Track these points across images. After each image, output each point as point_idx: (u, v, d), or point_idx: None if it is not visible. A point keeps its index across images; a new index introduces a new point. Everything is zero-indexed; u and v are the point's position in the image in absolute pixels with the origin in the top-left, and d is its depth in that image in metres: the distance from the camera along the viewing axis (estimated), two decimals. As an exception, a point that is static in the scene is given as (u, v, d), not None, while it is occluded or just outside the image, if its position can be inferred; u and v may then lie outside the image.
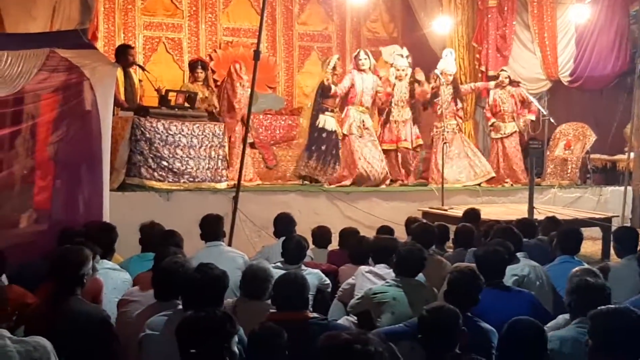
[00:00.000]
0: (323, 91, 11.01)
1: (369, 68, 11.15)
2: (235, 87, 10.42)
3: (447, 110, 11.38)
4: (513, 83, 12.10)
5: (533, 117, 12.09)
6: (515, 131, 12.04)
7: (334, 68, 11.10)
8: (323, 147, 10.94)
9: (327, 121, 10.99)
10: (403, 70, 11.47)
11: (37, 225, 6.94)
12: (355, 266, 6.27)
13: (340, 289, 5.80)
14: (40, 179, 7.12)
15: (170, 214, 8.24)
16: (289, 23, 13.20)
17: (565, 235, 6.20)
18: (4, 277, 5.20)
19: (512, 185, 11.87)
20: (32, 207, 7.03)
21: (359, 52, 11.34)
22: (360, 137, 10.90)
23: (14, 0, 9.03)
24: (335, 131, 11.00)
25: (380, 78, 11.41)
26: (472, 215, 7.95)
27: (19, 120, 7.07)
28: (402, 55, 11.54)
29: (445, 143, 11.00)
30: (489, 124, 12.13)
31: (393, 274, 5.33)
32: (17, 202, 6.98)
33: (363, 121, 10.97)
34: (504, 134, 12.02)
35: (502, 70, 12.19)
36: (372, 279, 5.50)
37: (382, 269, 5.60)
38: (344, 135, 10.93)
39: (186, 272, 4.25)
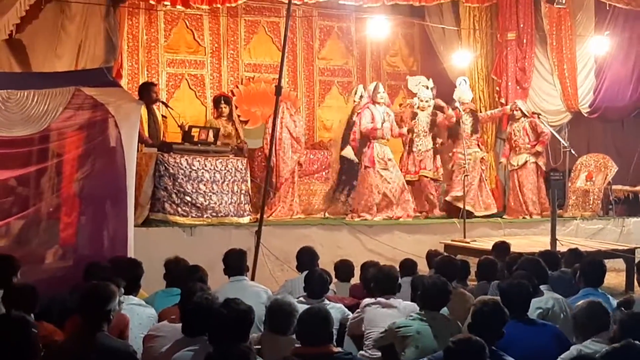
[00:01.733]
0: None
1: (385, 102, 11.25)
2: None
3: (469, 138, 11.44)
4: (532, 115, 12.09)
5: (540, 149, 12.03)
6: (527, 162, 11.98)
7: (362, 97, 11.24)
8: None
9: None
10: (427, 101, 11.54)
11: (62, 261, 7.02)
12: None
13: (349, 322, 5.78)
14: (65, 215, 7.21)
15: (193, 248, 8.30)
16: (309, 58, 13.32)
17: (588, 267, 6.18)
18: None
19: (530, 217, 11.82)
20: (57, 243, 7.12)
21: (377, 85, 11.41)
22: (383, 169, 10.92)
23: (40, 39, 9.21)
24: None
25: (396, 115, 11.51)
26: (501, 248, 7.91)
27: (45, 158, 7.19)
28: (427, 87, 11.62)
29: (465, 175, 11.02)
30: (519, 162, 12.07)
31: (401, 302, 5.33)
32: (43, 238, 7.07)
33: (385, 154, 11.00)
34: (517, 165, 12.00)
35: (514, 102, 12.21)
36: (380, 309, 5.51)
37: (390, 298, 5.61)
38: (365, 167, 10.95)
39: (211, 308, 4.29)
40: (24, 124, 6.92)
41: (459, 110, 11.46)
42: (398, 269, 6.28)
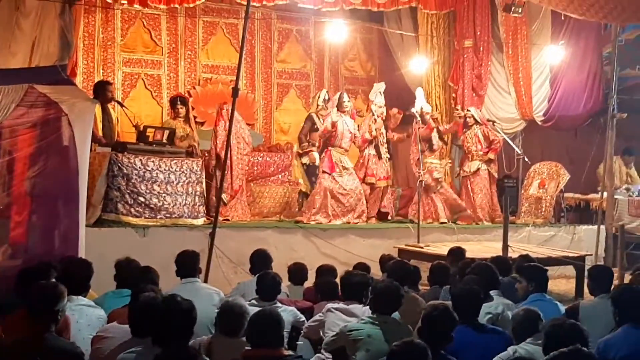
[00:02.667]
0: (313, 125, 11.22)
1: (349, 111, 11.25)
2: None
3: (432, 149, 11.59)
4: (486, 122, 12.23)
5: (493, 156, 12.19)
6: (479, 169, 12.12)
7: (326, 101, 11.27)
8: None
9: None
10: (381, 107, 11.59)
11: (12, 260, 6.90)
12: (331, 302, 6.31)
13: (306, 325, 5.78)
14: (16, 214, 7.09)
15: (146, 250, 8.23)
16: (267, 61, 13.31)
17: (534, 274, 6.28)
18: None
19: (476, 224, 11.94)
20: (7, 242, 6.99)
21: (342, 94, 11.42)
22: (340, 176, 10.94)
23: (-8, 36, 9.07)
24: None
25: (359, 126, 11.56)
26: (456, 253, 7.98)
27: (-4, 155, 7.07)
28: (381, 92, 11.67)
29: (421, 181, 11.12)
30: (474, 169, 12.13)
31: (365, 311, 5.35)
32: (-7, 237, 6.96)
33: (342, 162, 11.01)
34: (469, 172, 12.12)
35: (467, 110, 12.33)
36: (342, 316, 5.50)
37: (354, 305, 5.61)
38: (323, 172, 10.96)
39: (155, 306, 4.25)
40: (-25, 120, 6.81)
41: (417, 117, 11.52)
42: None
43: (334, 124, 10.97)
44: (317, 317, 5.71)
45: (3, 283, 6.23)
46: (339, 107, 11.14)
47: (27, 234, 7.04)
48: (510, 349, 4.66)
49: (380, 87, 11.71)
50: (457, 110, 12.49)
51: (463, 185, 12.30)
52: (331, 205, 10.82)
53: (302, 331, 5.78)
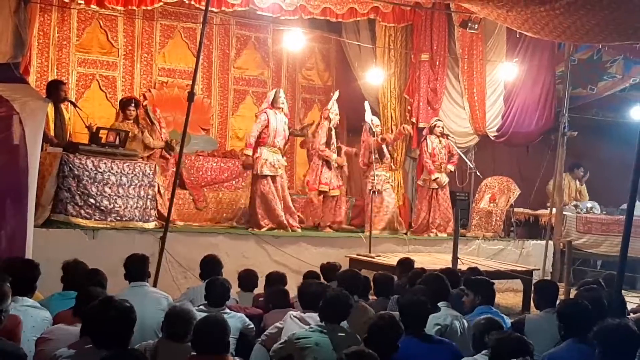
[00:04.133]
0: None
1: (284, 108, 11.23)
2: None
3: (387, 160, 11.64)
4: (443, 135, 12.38)
5: (453, 168, 12.38)
6: (445, 181, 12.31)
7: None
8: None
9: None
10: (337, 114, 11.64)
11: (-44, 259, 6.77)
12: (281, 311, 6.30)
13: (265, 333, 5.78)
14: (-37, 212, 6.98)
15: (95, 252, 8.13)
16: (225, 66, 13.28)
17: (481, 286, 6.36)
18: None
19: (436, 235, 12.08)
20: (-47, 240, 6.88)
21: (278, 91, 11.34)
22: (274, 176, 10.92)
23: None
24: None
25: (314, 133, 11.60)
26: (405, 264, 8.04)
27: (-56, 152, 6.95)
28: (335, 101, 11.74)
29: (374, 192, 11.20)
30: (432, 177, 12.25)
31: (316, 317, 5.36)
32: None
33: (277, 160, 11.00)
34: (441, 184, 12.26)
35: (438, 120, 12.46)
36: (300, 324, 5.49)
37: (311, 315, 5.60)
38: (257, 177, 10.87)
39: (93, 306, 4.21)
40: None
41: (372, 129, 11.59)
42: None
43: (268, 123, 10.92)
44: (277, 324, 5.68)
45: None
46: (274, 103, 11.09)
47: (-27, 233, 6.92)
48: None
49: (335, 95, 11.79)
50: (412, 121, 12.61)
51: (424, 197, 12.38)
52: (269, 211, 10.80)
53: (260, 338, 5.77)
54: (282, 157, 11.11)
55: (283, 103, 11.16)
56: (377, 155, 11.52)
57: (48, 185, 8.72)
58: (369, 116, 11.82)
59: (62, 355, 4.02)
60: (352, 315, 5.52)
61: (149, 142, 10.55)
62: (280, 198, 10.87)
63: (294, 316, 5.59)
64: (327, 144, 11.58)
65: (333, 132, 11.69)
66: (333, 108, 11.62)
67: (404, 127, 12.26)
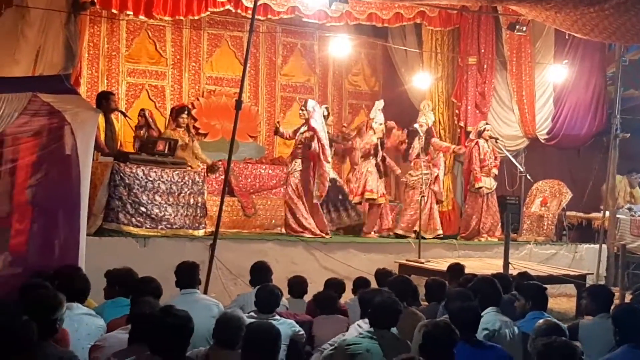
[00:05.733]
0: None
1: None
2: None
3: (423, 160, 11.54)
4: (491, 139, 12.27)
5: (496, 172, 12.24)
6: (493, 186, 12.20)
7: (325, 117, 11.26)
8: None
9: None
10: (381, 124, 11.60)
11: (12, 268, 6.87)
12: (329, 317, 6.29)
13: (329, 342, 5.72)
14: (17, 222, 7.08)
15: (146, 260, 8.22)
16: (271, 74, 13.36)
17: (536, 292, 6.26)
18: None
19: (487, 239, 11.95)
20: (7, 249, 6.98)
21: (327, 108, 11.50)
22: None
23: (-2, 44, 9.10)
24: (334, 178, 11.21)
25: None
26: (456, 269, 7.95)
27: (-2, 163, 7.08)
28: (380, 110, 11.68)
29: (422, 196, 11.14)
30: (477, 186, 12.15)
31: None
32: (-7, 245, 6.95)
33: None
34: (491, 188, 12.15)
35: (487, 123, 12.35)
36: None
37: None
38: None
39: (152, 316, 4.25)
40: (-22, 127, 6.82)
41: (419, 132, 11.52)
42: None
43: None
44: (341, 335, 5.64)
45: (4, 290, 6.21)
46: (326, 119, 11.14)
47: (28, 243, 7.02)
48: None
49: (379, 104, 11.75)
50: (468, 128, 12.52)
51: (474, 201, 12.26)
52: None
53: (311, 344, 5.76)
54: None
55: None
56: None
57: (100, 194, 8.84)
58: (423, 117, 11.79)
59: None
60: (402, 321, 5.47)
61: (197, 152, 10.61)
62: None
63: (359, 325, 5.54)
64: (375, 153, 11.55)
65: (378, 142, 11.63)
66: (377, 118, 11.58)
67: (459, 148, 12.19)
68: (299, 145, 10.85)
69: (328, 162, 10.76)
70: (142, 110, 11.08)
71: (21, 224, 7.13)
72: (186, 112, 10.71)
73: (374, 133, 11.59)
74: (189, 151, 10.46)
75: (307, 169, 10.72)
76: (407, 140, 12.07)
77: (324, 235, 10.61)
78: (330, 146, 11.23)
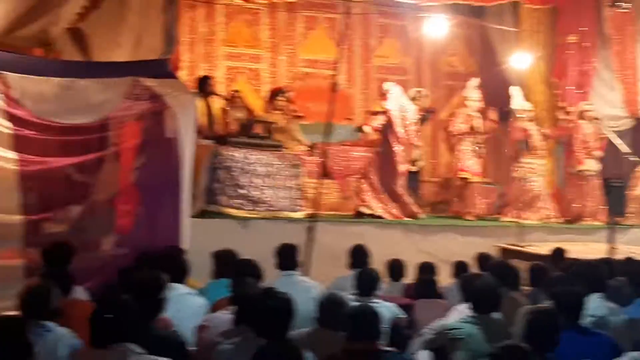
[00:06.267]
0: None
1: None
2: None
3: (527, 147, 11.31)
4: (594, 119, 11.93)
5: (601, 154, 11.88)
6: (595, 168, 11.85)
7: (414, 100, 11.20)
8: None
9: None
10: (476, 102, 11.44)
11: (118, 248, 7.11)
12: (429, 301, 6.25)
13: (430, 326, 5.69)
14: (122, 204, 7.32)
15: (247, 241, 8.30)
16: (366, 55, 13.31)
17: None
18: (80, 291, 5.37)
19: (590, 223, 11.64)
20: (114, 230, 7.21)
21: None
22: None
23: (101, 29, 9.32)
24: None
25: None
26: (558, 254, 7.79)
27: (104, 146, 7.30)
28: (477, 87, 11.51)
29: (519, 179, 10.96)
30: (579, 168, 11.88)
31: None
32: (101, 226, 7.18)
33: None
34: (593, 171, 11.82)
35: (588, 104, 12.01)
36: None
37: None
38: None
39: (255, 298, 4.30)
40: (84, 112, 7.04)
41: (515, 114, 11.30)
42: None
43: None
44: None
45: (110, 271, 6.41)
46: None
47: (133, 224, 7.24)
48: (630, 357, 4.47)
49: (473, 82, 11.62)
50: (569, 109, 12.19)
51: (576, 184, 11.97)
52: None
53: (412, 329, 5.74)
54: None
55: None
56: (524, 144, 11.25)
57: (201, 177, 9.01)
58: (517, 102, 11.53)
59: (224, 343, 4.13)
60: (503, 307, 5.39)
61: (295, 134, 10.69)
62: None
63: (460, 310, 5.48)
64: (470, 132, 11.42)
65: (473, 120, 11.46)
66: (472, 96, 11.42)
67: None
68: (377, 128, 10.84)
69: (400, 144, 10.70)
70: (234, 91, 11.19)
71: (127, 205, 7.36)
72: (284, 95, 10.79)
73: (468, 112, 11.42)
74: (287, 133, 10.53)
75: (385, 151, 10.74)
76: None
77: (413, 216, 10.57)
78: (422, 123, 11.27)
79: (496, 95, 12.38)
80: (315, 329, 4.81)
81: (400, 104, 10.78)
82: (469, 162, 11.39)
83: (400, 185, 10.79)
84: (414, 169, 11.34)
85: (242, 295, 4.52)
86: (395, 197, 10.69)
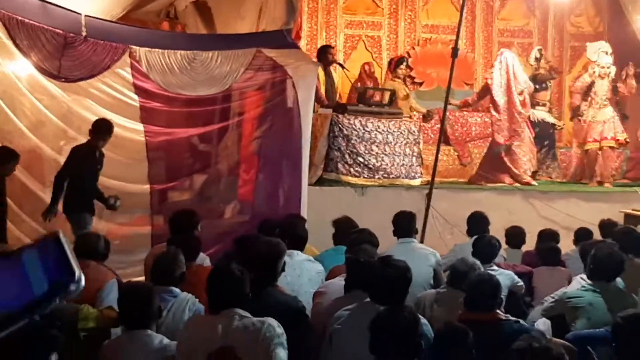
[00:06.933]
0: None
1: None
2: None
3: None
4: None
5: None
6: None
7: (538, 60, 10.92)
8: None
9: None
10: (607, 67, 11.00)
11: (240, 216, 7.35)
12: (550, 268, 6.16)
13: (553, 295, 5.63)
14: (244, 172, 7.54)
15: (364, 209, 8.41)
16: (488, 19, 13.04)
17: None
18: (207, 260, 5.58)
19: None
20: (236, 198, 7.45)
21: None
22: None
23: (224, 2, 9.56)
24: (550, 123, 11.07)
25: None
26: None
27: (227, 117, 7.53)
28: (607, 53, 11.07)
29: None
30: None
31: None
32: (223, 194, 7.44)
33: None
34: None
35: None
36: None
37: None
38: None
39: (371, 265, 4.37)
40: (207, 83, 7.27)
41: None
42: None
43: None
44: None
45: (233, 237, 6.63)
46: None
47: (254, 192, 7.45)
48: None
49: (600, 45, 11.15)
50: None
51: None
52: None
53: (530, 297, 5.72)
54: None
55: None
56: None
57: (320, 145, 9.13)
58: None
59: (340, 316, 4.23)
60: (627, 274, 5.27)
61: (412, 102, 10.67)
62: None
63: (582, 278, 5.39)
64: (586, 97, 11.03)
65: (596, 85, 11.04)
66: (600, 60, 10.99)
67: None
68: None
69: (498, 112, 10.44)
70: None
71: (248, 173, 7.58)
72: (405, 63, 10.77)
73: (591, 75, 11.06)
74: (407, 101, 10.53)
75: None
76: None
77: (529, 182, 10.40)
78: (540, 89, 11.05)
79: (626, 57, 11.90)
80: (445, 289, 4.89)
81: (500, 70, 10.59)
82: (596, 127, 11.01)
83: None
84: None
85: (354, 261, 4.60)
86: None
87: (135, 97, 6.99)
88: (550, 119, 11.39)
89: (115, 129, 6.80)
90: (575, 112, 11.27)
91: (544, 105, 11.32)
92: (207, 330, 3.65)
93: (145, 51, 7.05)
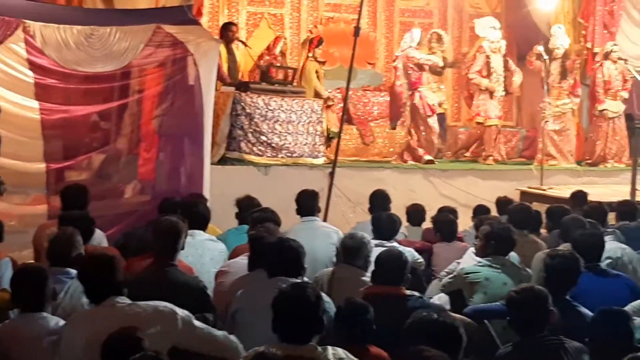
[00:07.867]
0: None
1: None
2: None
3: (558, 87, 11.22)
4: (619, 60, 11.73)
5: (627, 95, 11.72)
6: (620, 109, 11.70)
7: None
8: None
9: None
10: (498, 42, 11.29)
11: (141, 195, 7.22)
12: (448, 244, 6.29)
13: (445, 270, 5.74)
14: (145, 151, 7.39)
15: (268, 188, 8.39)
16: (390, -2, 13.13)
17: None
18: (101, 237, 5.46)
19: (613, 165, 11.54)
20: (136, 178, 7.31)
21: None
22: None
23: (123, -24, 9.31)
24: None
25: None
26: (579, 196, 7.74)
27: (126, 94, 7.36)
28: (495, 28, 11.35)
29: (546, 121, 10.85)
30: (600, 108, 11.74)
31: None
32: (123, 173, 7.28)
33: None
34: (617, 113, 11.67)
35: (615, 44, 11.82)
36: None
37: None
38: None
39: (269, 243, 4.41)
40: (105, 60, 7.07)
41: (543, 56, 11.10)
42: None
43: None
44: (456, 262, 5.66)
45: (133, 218, 6.52)
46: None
47: (155, 171, 7.33)
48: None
49: (489, 22, 11.47)
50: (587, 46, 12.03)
51: (599, 125, 11.82)
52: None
53: (431, 272, 5.81)
54: None
55: None
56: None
57: (222, 124, 9.03)
58: (559, 41, 11.45)
59: (243, 295, 4.22)
60: (522, 249, 5.43)
61: (316, 81, 10.64)
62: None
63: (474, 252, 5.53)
64: (485, 72, 11.31)
65: (491, 60, 11.33)
66: (489, 36, 11.28)
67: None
68: None
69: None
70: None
71: (149, 152, 7.44)
72: (319, 44, 10.69)
73: (483, 53, 11.34)
74: (309, 79, 10.49)
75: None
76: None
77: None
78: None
79: (522, 37, 12.23)
80: (338, 266, 4.92)
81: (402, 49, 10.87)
82: (483, 105, 11.29)
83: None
84: (440, 110, 11.23)
85: (257, 240, 4.59)
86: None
87: (30, 73, 6.73)
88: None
89: (8, 106, 6.54)
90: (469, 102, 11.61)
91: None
92: (91, 324, 3.54)
93: (40, 26, 6.80)
